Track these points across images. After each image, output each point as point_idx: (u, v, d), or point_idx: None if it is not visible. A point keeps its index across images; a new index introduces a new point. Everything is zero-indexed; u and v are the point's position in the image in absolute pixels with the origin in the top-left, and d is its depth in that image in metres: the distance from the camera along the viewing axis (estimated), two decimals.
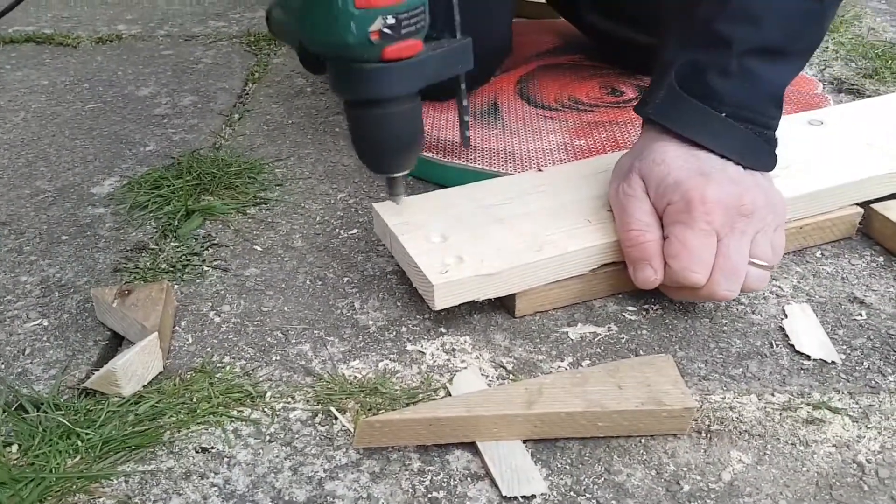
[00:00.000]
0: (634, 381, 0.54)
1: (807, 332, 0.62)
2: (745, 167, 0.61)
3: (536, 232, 0.64)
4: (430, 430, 0.51)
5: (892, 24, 1.26)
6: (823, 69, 1.09)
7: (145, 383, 0.57)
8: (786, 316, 0.64)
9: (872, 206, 0.72)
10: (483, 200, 0.69)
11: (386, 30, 0.54)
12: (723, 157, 0.61)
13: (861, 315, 0.64)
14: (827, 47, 1.16)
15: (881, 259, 0.70)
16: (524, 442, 0.53)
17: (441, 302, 0.60)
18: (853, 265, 0.70)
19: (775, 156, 0.63)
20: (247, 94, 1.04)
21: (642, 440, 0.54)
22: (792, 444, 0.53)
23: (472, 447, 0.53)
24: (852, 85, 1.04)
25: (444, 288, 0.60)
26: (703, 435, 0.54)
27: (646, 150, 0.63)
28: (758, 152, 0.62)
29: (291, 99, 1.02)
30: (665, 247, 0.60)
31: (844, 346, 0.61)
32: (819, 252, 0.71)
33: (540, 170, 0.74)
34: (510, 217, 0.67)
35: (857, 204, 0.72)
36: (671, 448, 0.53)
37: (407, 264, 0.64)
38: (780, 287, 0.67)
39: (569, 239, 0.63)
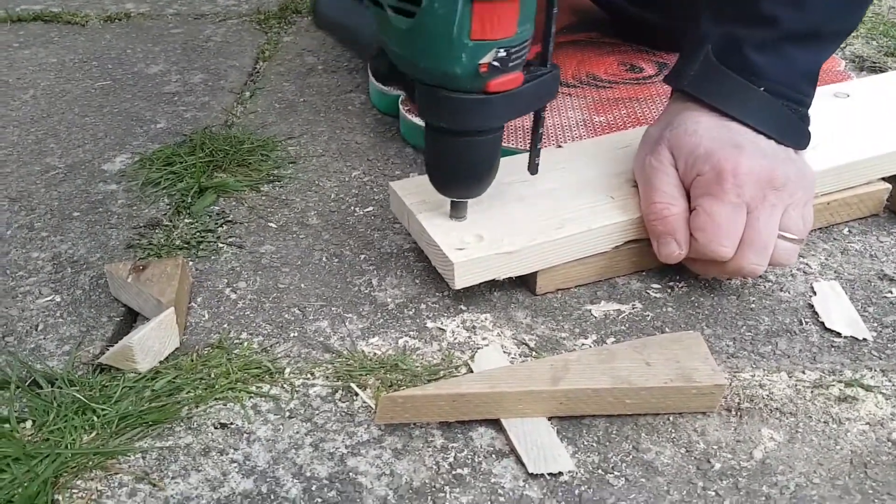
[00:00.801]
0: (663, 358, 0.52)
1: (837, 309, 0.61)
2: (777, 142, 0.60)
3: (557, 209, 0.63)
4: (453, 406, 0.49)
5: None
6: (844, 47, 1.07)
7: (162, 359, 0.56)
8: (815, 293, 0.62)
9: None
10: (502, 178, 0.67)
11: (495, 62, 0.52)
12: (757, 131, 0.59)
13: (891, 292, 0.63)
14: None
15: None
16: (549, 419, 0.51)
17: (461, 280, 0.59)
18: (881, 242, 0.68)
19: (808, 133, 0.62)
20: (258, 72, 1.03)
21: (671, 418, 0.52)
22: (824, 422, 0.52)
23: (496, 424, 0.51)
24: (874, 63, 1.02)
25: (463, 266, 0.58)
26: (733, 413, 0.53)
27: (676, 120, 0.62)
28: (792, 128, 0.60)
29: (303, 77, 1.01)
30: (692, 219, 0.59)
31: (875, 324, 0.60)
32: (846, 229, 0.69)
33: (560, 146, 0.72)
34: (531, 195, 0.65)
35: (885, 179, 0.70)
36: (701, 426, 0.52)
37: (425, 243, 0.62)
38: (807, 264, 0.65)
39: (591, 216, 0.62)
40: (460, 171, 0.59)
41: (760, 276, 0.64)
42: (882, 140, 0.70)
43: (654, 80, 0.89)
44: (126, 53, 1.10)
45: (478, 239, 0.60)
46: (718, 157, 0.57)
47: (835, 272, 0.65)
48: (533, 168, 0.64)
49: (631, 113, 0.82)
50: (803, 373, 0.56)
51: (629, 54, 0.96)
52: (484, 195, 0.64)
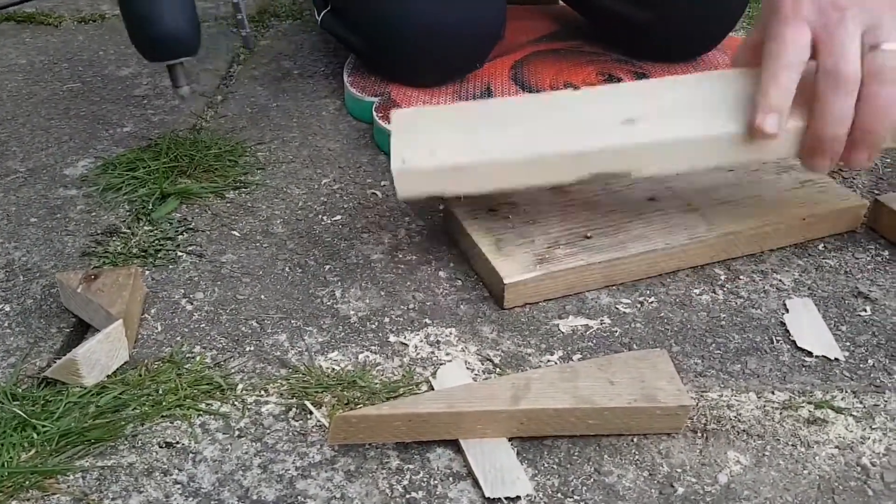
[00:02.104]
0: (627, 377, 0.51)
1: (809, 327, 0.59)
2: None
3: (528, 137, 0.60)
4: (409, 427, 0.47)
5: None
6: None
7: (109, 373, 0.54)
8: (787, 310, 0.61)
9: (878, 198, 0.69)
10: (494, 116, 0.63)
11: None
12: None
13: (865, 310, 0.61)
14: None
15: (886, 253, 0.67)
16: (510, 440, 0.50)
17: (401, 190, 0.59)
18: (857, 259, 0.67)
19: None
20: (231, 75, 1.01)
21: (635, 439, 0.51)
22: (792, 444, 0.50)
23: (454, 445, 0.50)
24: None
25: (403, 176, 0.58)
26: (699, 434, 0.51)
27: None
28: None
29: (278, 81, 0.99)
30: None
31: (848, 343, 0.58)
32: (822, 245, 0.68)
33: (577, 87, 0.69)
34: (510, 124, 0.61)
35: (863, 196, 0.69)
36: (665, 448, 0.50)
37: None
38: (780, 280, 0.64)
39: (557, 144, 0.59)
40: (141, 24, 0.59)
41: (732, 293, 0.63)
42: None
43: None
44: (98, 55, 1.08)
45: (430, 153, 0.59)
46: None
47: (808, 289, 0.63)
48: (246, 41, 0.64)
49: None
50: (773, 393, 0.54)
51: (608, 64, 0.94)
52: (465, 122, 0.61)
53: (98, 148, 0.84)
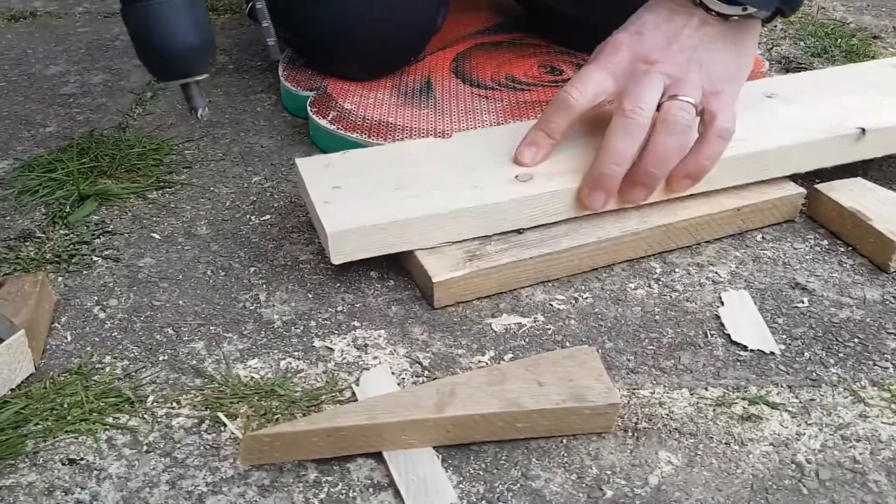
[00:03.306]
0: (555, 377, 0.49)
1: (744, 320, 0.58)
2: (732, 3, 0.60)
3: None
4: (328, 442, 0.45)
5: (842, 3, 1.23)
6: (771, 48, 1.05)
7: (12, 387, 0.51)
8: (722, 304, 0.60)
9: (816, 186, 0.68)
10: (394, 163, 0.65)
11: None
12: (710, 21, 0.61)
13: (803, 302, 0.60)
14: (776, 27, 1.12)
15: (825, 243, 0.66)
16: (435, 447, 0.47)
17: (337, 253, 0.57)
18: (796, 249, 0.66)
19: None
20: None
21: (564, 441, 0.49)
22: (726, 443, 0.49)
23: (376, 455, 0.47)
24: (800, 63, 1.00)
25: (340, 238, 0.57)
26: (630, 434, 0.50)
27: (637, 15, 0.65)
28: None
29: (211, 77, 0.95)
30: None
31: (784, 336, 0.57)
32: (760, 235, 0.67)
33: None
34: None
35: (803, 184, 0.68)
36: (595, 449, 0.48)
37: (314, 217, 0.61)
38: (717, 273, 0.63)
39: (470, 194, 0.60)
40: (153, 41, 0.56)
41: (667, 286, 0.61)
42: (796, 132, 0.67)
43: None
44: (26, 54, 1.04)
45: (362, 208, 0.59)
46: (615, 39, 0.62)
47: (745, 281, 0.62)
48: (271, 51, 0.63)
49: None
50: (706, 389, 0.53)
51: (550, 56, 0.92)
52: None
53: (18, 149, 0.80)
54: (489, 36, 0.98)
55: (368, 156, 0.66)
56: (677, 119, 0.58)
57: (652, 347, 0.56)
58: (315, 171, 0.63)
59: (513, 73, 0.88)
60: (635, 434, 0.49)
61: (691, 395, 0.52)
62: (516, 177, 0.61)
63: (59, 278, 0.61)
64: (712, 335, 0.57)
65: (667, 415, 0.51)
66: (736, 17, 0.61)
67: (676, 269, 0.63)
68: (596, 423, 0.48)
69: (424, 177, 0.62)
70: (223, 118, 0.86)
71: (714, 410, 0.51)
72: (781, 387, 0.53)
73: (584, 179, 0.60)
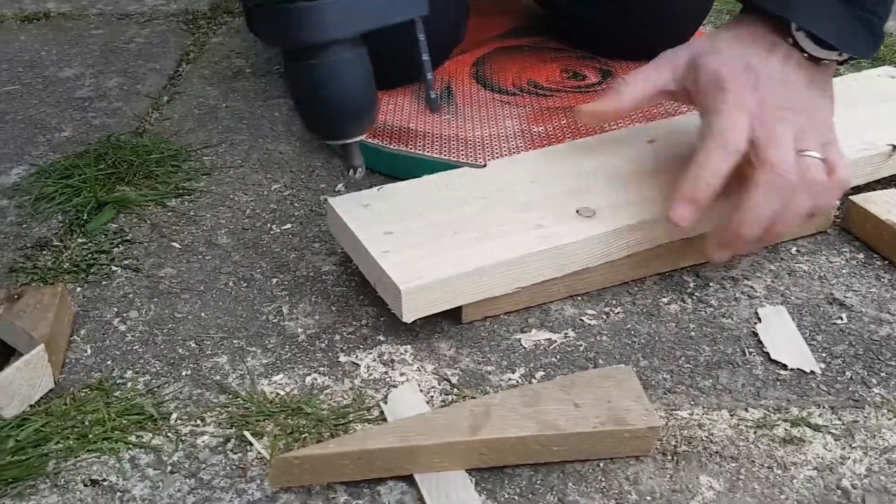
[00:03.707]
0: (592, 398, 0.47)
1: (783, 337, 0.56)
2: (827, 47, 0.56)
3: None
4: (359, 465, 0.43)
5: None
6: None
7: (32, 403, 0.50)
8: (759, 320, 0.58)
9: (852, 198, 0.66)
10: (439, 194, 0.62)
11: None
12: (793, 54, 0.57)
13: (841, 318, 0.58)
14: None
15: (861, 256, 0.64)
16: (468, 470, 0.46)
17: (409, 310, 0.53)
18: (831, 263, 0.64)
19: (875, 41, 0.58)
20: (179, 75, 0.96)
21: (601, 464, 0.47)
22: (768, 467, 0.47)
23: (408, 477, 0.46)
24: None
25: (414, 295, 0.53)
26: (670, 457, 0.48)
27: (716, 34, 0.60)
28: (852, 33, 0.56)
29: (228, 81, 0.94)
30: (700, 130, 0.56)
31: (824, 354, 0.55)
32: (794, 248, 0.65)
33: (484, 165, 0.66)
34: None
35: None
36: (633, 473, 0.47)
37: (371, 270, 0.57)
38: (752, 287, 0.61)
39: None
40: (322, 102, 0.53)
41: (701, 301, 0.59)
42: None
43: (598, 89, 0.84)
44: (40, 56, 1.02)
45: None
46: (725, 76, 0.55)
47: (781, 296, 0.60)
48: (431, 104, 0.59)
49: (571, 123, 0.77)
50: (746, 410, 0.51)
51: (573, 61, 0.91)
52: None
53: (34, 154, 0.79)
54: (509, 40, 0.97)
55: (408, 192, 0.62)
56: (816, 181, 0.54)
57: (689, 366, 0.54)
58: (356, 213, 0.59)
59: (535, 79, 0.87)
60: (675, 457, 0.48)
61: (731, 416, 0.51)
62: (577, 211, 0.59)
63: (78, 288, 0.60)
64: (750, 353, 0.55)
65: (707, 437, 0.49)
66: (826, 62, 0.58)
67: (710, 283, 0.61)
68: (634, 447, 0.47)
69: (478, 217, 0.59)
70: (241, 123, 0.84)
71: (755, 433, 0.49)
72: (823, 408, 0.51)
73: (714, 233, 0.57)
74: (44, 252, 0.64)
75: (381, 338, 0.56)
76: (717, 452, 0.48)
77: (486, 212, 0.60)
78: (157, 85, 0.93)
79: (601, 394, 0.47)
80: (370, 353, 0.55)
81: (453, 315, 0.57)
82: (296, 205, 0.71)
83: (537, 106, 0.81)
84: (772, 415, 0.51)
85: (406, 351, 0.55)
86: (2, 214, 0.69)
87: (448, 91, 0.84)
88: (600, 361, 0.54)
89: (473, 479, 0.46)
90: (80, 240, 0.65)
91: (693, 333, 0.57)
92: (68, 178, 0.72)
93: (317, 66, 0.52)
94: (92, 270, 0.62)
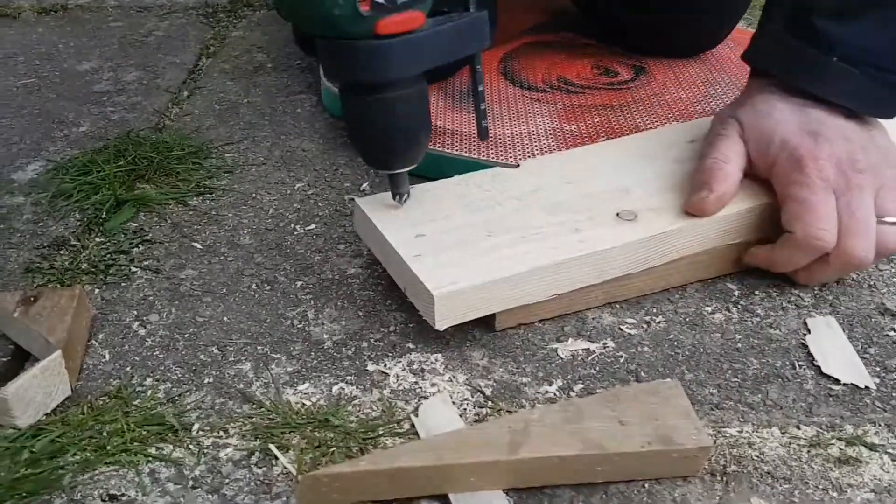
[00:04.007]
0: (638, 415, 0.45)
1: (834, 350, 0.53)
2: (858, 118, 0.56)
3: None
4: (391, 484, 0.41)
5: None
6: None
7: (48, 411, 0.47)
8: (808, 331, 0.55)
9: None
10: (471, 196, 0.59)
11: (379, 0, 0.46)
12: (834, 106, 0.56)
13: (894, 330, 0.55)
14: None
15: None
16: (506, 490, 0.43)
17: (443, 317, 0.51)
18: (881, 271, 0.61)
19: None
20: (199, 69, 0.94)
21: (646, 485, 0.45)
22: (823, 489, 0.45)
23: (443, 496, 0.43)
24: None
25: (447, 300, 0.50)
26: (719, 478, 0.45)
27: (749, 101, 0.59)
28: (876, 97, 0.56)
29: (249, 76, 0.92)
30: (782, 214, 0.55)
31: (878, 368, 0.52)
32: None
33: (517, 164, 0.64)
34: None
35: None
36: (681, 495, 0.44)
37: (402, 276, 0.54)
38: (799, 296, 0.58)
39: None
40: (380, 135, 0.53)
41: (747, 311, 0.57)
42: None
43: (630, 86, 0.81)
44: (57, 48, 1.01)
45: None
46: (794, 145, 0.54)
47: (830, 305, 0.57)
48: (482, 134, 0.57)
49: (605, 121, 0.74)
50: (798, 428, 0.48)
51: (604, 57, 0.88)
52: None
53: (51, 150, 0.77)
54: (537, 35, 0.94)
55: (439, 192, 0.59)
56: (889, 249, 0.55)
57: (736, 380, 0.51)
58: (385, 213, 0.56)
59: (565, 75, 0.84)
60: (724, 478, 0.45)
61: (782, 434, 0.48)
62: (618, 214, 0.56)
63: (96, 290, 0.58)
64: (801, 366, 0.52)
65: (757, 456, 0.46)
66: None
67: (755, 292, 0.58)
68: (683, 467, 0.44)
69: (513, 219, 0.56)
70: (263, 120, 0.82)
71: (808, 452, 0.47)
72: (879, 426, 0.48)
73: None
74: (61, 252, 0.62)
75: (411, 345, 0.54)
76: (768, 473, 0.45)
77: (521, 213, 0.57)
78: (176, 79, 0.91)
79: (648, 410, 0.45)
80: (399, 362, 0.53)
81: (485, 322, 0.55)
82: (320, 204, 0.69)
83: (569, 103, 0.78)
84: (825, 433, 0.48)
85: (437, 360, 0.53)
86: (18, 212, 0.67)
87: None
88: (642, 374, 0.51)
89: (511, 500, 0.43)
90: (98, 239, 0.63)
91: (740, 345, 0.54)
92: (86, 174, 0.70)
93: (378, 101, 0.51)
94: (111, 271, 0.60)
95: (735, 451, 0.47)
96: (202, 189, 0.70)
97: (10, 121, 0.82)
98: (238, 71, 0.93)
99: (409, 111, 0.53)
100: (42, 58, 0.97)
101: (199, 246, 0.63)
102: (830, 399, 0.50)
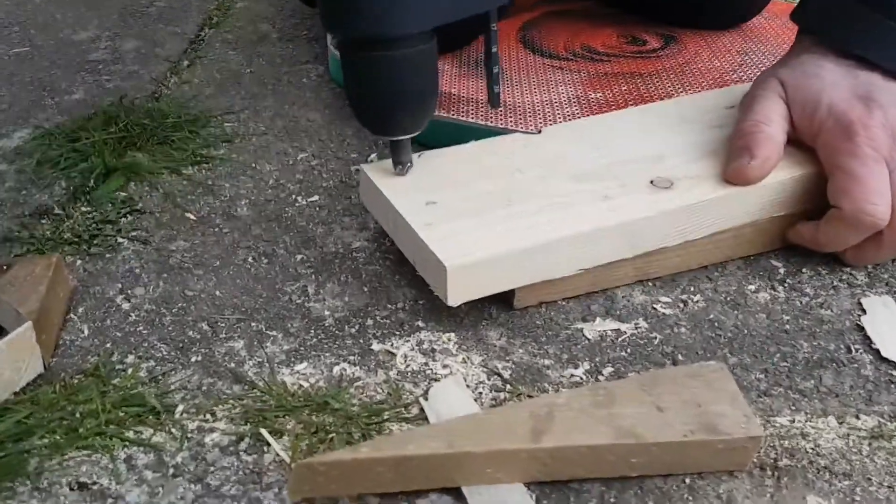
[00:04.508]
0: (679, 400, 0.39)
1: (893, 332, 0.48)
2: None
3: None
4: (397, 474, 0.36)
5: None
6: None
7: (16, 390, 0.43)
8: (864, 311, 0.49)
9: None
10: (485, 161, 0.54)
11: None
12: (889, 72, 0.51)
13: None
14: None
15: None
16: (527, 483, 0.38)
17: (455, 294, 0.46)
18: None
19: None
20: (201, 39, 0.89)
21: (686, 480, 0.39)
22: (888, 486, 0.39)
23: (455, 490, 0.38)
24: None
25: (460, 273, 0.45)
26: (769, 472, 0.40)
27: (794, 61, 0.53)
28: None
29: (253, 45, 0.87)
30: (829, 187, 0.50)
31: None
32: None
33: (539, 130, 0.58)
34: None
35: None
36: (726, 491, 0.39)
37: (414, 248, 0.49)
38: (851, 274, 0.52)
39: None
40: (383, 97, 0.48)
41: (794, 290, 0.51)
42: None
43: (660, 54, 0.76)
44: (55, 18, 0.96)
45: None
46: (843, 109, 0.49)
47: (886, 284, 0.52)
48: (493, 100, 0.52)
49: (633, 89, 0.69)
50: (857, 417, 0.43)
51: (629, 26, 0.82)
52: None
53: (40, 117, 0.72)
54: (558, 4, 0.89)
55: (452, 158, 0.54)
56: None
57: (785, 364, 0.46)
58: (393, 180, 0.51)
59: (589, 43, 0.78)
60: (775, 473, 0.40)
61: (840, 424, 0.42)
62: (651, 182, 0.51)
63: (79, 261, 0.53)
64: (857, 350, 0.47)
65: (812, 449, 0.41)
66: None
67: (803, 269, 0.53)
68: (729, 460, 0.39)
69: (534, 186, 0.51)
70: (266, 89, 0.77)
71: (870, 444, 0.41)
72: None
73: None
74: (43, 221, 0.57)
75: (420, 323, 0.49)
76: (825, 467, 0.40)
77: (544, 181, 0.52)
78: (177, 49, 0.86)
79: (689, 395, 0.39)
80: (407, 341, 0.47)
81: (503, 299, 0.49)
82: (324, 175, 0.64)
83: (593, 71, 0.73)
84: (888, 423, 0.42)
85: (449, 339, 0.48)
86: (0, 179, 0.62)
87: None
88: (680, 357, 0.46)
89: (533, 495, 0.38)
90: (84, 208, 0.58)
91: (788, 326, 0.48)
92: (75, 141, 0.65)
93: (383, 58, 0.47)
94: (95, 242, 0.55)
95: (787, 442, 0.41)
96: (198, 158, 0.65)
97: (0, 88, 0.78)
98: (241, 41, 0.88)
99: (418, 71, 0.48)
100: (38, 27, 0.93)
101: (192, 217, 0.58)
102: (892, 386, 0.45)
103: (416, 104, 0.49)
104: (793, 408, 0.43)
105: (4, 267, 0.47)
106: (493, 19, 0.51)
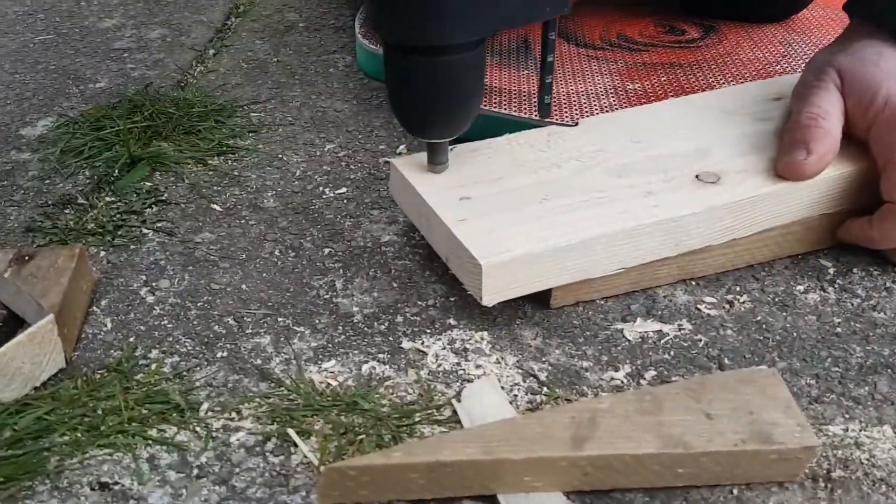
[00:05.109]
0: (729, 407, 0.37)
1: None
2: None
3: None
4: (429, 480, 0.34)
5: None
6: None
7: (37, 385, 0.41)
8: None
9: None
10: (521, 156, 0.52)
11: None
12: None
13: None
14: None
15: None
16: (567, 492, 0.36)
17: (490, 292, 0.44)
18: None
19: None
20: (228, 27, 0.88)
21: (734, 491, 0.37)
22: None
23: (490, 497, 0.36)
24: None
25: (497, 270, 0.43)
26: (822, 484, 0.38)
27: (852, 47, 0.51)
28: None
29: (280, 35, 0.85)
30: (883, 182, 0.47)
31: None
32: None
33: (575, 123, 0.56)
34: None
35: None
36: (776, 503, 0.37)
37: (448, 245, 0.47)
38: None
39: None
40: (428, 101, 0.46)
41: (845, 291, 0.49)
42: None
43: (700, 44, 0.73)
44: (80, 6, 0.95)
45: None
46: None
47: None
48: (543, 110, 0.50)
49: (673, 80, 0.66)
50: None
51: (666, 15, 0.80)
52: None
53: (64, 105, 0.71)
54: None
55: (486, 152, 0.52)
56: None
57: (837, 369, 0.43)
58: (425, 175, 0.50)
59: (626, 33, 0.76)
60: (828, 485, 0.37)
61: None
62: (697, 177, 0.48)
63: (102, 252, 0.52)
64: None
65: (867, 460, 0.39)
66: None
67: (854, 269, 0.50)
68: (780, 470, 0.37)
69: (572, 181, 0.49)
70: (293, 79, 0.76)
71: None
72: None
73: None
74: (66, 211, 0.56)
75: (452, 321, 0.47)
76: (881, 479, 0.38)
77: (581, 175, 0.50)
78: (202, 37, 0.85)
79: (740, 402, 0.37)
80: (439, 340, 0.46)
81: (539, 298, 0.47)
82: (352, 167, 0.62)
83: (631, 61, 0.70)
84: None
85: (482, 338, 0.46)
86: (23, 168, 0.61)
87: (525, 44, 0.74)
88: (726, 361, 0.44)
89: None
90: (108, 198, 0.57)
91: (839, 329, 0.46)
92: (99, 129, 0.64)
93: (433, 64, 0.45)
94: (119, 233, 0.53)
95: (840, 452, 0.39)
96: (224, 148, 0.63)
97: (24, 76, 0.77)
98: (268, 30, 0.87)
99: (463, 77, 0.46)
100: (63, 15, 0.92)
101: (218, 208, 0.57)
102: None
103: (458, 109, 0.47)
104: (846, 416, 0.41)
105: (27, 257, 0.46)
106: (552, 28, 0.48)
